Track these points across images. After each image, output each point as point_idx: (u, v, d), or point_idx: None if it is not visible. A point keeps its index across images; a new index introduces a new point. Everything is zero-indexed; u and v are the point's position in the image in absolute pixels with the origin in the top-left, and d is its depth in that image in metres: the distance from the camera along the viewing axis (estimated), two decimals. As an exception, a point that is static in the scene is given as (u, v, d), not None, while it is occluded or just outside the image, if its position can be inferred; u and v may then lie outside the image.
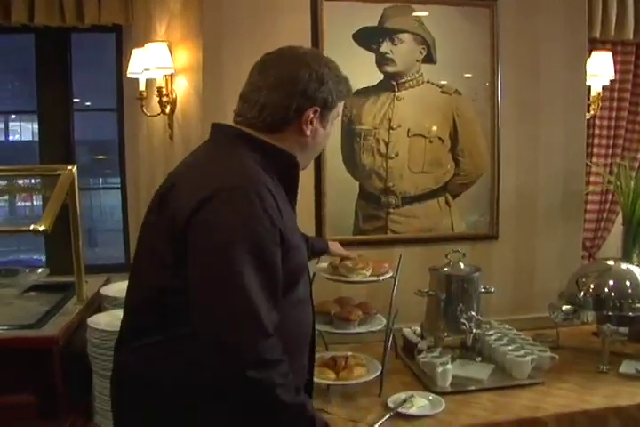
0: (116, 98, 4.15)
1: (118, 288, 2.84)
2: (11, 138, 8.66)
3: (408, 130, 3.11)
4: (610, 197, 4.31)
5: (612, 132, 4.25)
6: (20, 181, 2.89)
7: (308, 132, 1.73)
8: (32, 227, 2.52)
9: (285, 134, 1.73)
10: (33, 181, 2.92)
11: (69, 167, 2.79)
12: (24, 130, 8.19)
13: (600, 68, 3.71)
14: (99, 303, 3.09)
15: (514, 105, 3.26)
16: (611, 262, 2.95)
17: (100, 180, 8.11)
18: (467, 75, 3.18)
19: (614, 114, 4.21)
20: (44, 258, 4.26)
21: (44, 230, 2.48)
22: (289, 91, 1.68)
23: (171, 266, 1.57)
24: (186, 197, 1.57)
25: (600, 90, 3.81)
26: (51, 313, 2.73)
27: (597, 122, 4.14)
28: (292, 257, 1.63)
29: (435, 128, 3.15)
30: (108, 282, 3.34)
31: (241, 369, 1.45)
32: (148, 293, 1.64)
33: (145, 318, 1.64)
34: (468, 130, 3.19)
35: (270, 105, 1.69)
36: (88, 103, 5.71)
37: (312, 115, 1.71)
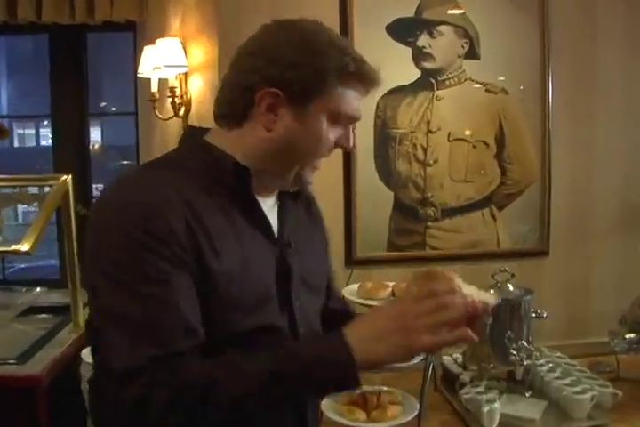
0: (134, 100, 3.92)
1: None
2: (43, 143, 8.59)
3: (449, 133, 2.85)
4: None
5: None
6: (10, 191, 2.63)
7: (270, 125, 1.24)
8: (13, 247, 2.27)
9: (245, 130, 1.28)
10: (30, 189, 2.67)
11: (63, 177, 2.52)
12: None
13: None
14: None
15: (567, 106, 2.98)
16: (678, 281, 2.65)
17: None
18: (514, 72, 2.91)
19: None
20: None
21: (26, 251, 2.22)
22: (237, 68, 1.28)
23: None
24: None
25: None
26: (40, 343, 2.48)
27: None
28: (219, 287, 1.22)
29: (478, 131, 2.88)
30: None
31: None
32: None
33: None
34: (516, 133, 2.91)
35: (221, 89, 1.30)
36: (114, 108, 5.58)
37: (271, 100, 1.22)
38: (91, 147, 4.82)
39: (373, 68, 1.27)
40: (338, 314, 1.63)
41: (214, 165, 1.28)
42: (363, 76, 1.25)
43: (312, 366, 1.12)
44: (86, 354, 2.37)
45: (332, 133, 1.27)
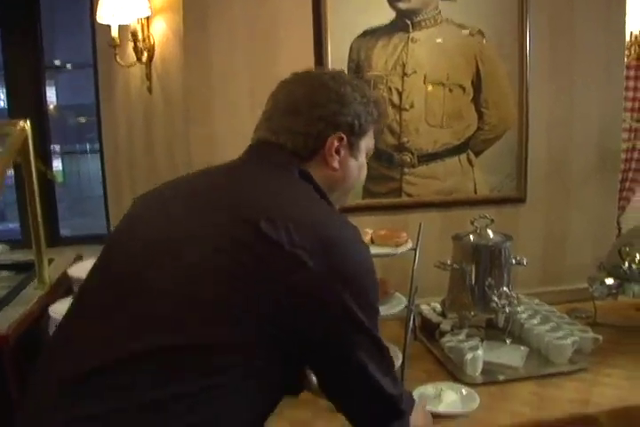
0: (92, 51, 3.75)
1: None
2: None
3: (424, 76, 2.71)
4: (636, 154, 4.03)
5: (640, 84, 3.88)
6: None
7: (336, 164, 1.46)
8: None
9: (312, 165, 1.46)
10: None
11: (21, 123, 2.34)
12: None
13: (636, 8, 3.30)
14: (68, 286, 2.65)
15: (545, 51, 2.87)
16: (657, 228, 2.62)
17: (88, 146, 7.83)
18: (491, 14, 2.77)
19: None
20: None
21: None
22: (306, 116, 1.44)
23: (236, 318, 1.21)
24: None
25: (638, 33, 3.41)
26: (4, 301, 2.34)
27: (631, 73, 3.76)
28: None
29: (455, 75, 2.75)
30: (78, 260, 2.91)
31: None
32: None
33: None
34: (493, 77, 2.79)
35: (287, 131, 1.45)
36: (69, 65, 5.38)
37: (337, 143, 1.45)
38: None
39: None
40: None
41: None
42: (383, 117, 1.60)
43: None
44: (56, 311, 2.26)
45: (364, 164, 1.57)
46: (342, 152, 1.46)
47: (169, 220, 1.35)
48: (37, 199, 2.57)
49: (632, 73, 3.82)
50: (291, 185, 1.40)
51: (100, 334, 1.24)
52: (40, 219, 2.60)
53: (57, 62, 5.20)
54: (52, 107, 5.45)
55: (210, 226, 1.27)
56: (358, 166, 1.53)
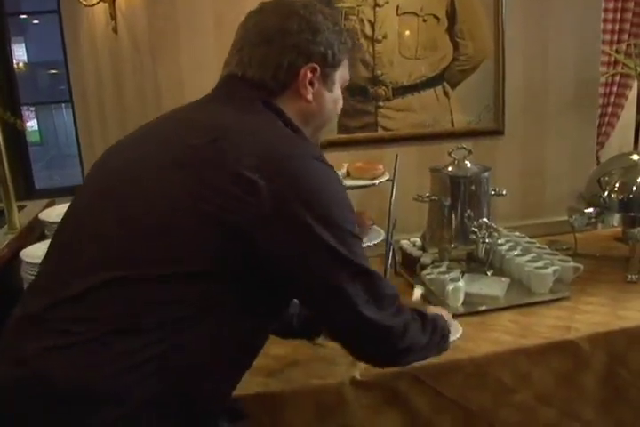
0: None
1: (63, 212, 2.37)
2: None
3: (397, 7, 2.63)
4: (615, 88, 3.94)
5: (619, 16, 3.79)
6: None
7: (310, 96, 1.41)
8: None
9: (285, 99, 1.41)
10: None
11: None
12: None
13: None
14: (40, 231, 2.63)
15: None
16: (636, 157, 2.59)
17: (63, 104, 7.70)
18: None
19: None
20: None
21: None
22: (278, 45, 1.38)
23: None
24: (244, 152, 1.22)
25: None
26: None
27: (610, 5, 3.68)
28: None
29: (428, 5, 2.67)
30: (51, 205, 2.86)
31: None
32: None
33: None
34: (468, 7, 2.71)
35: (258, 63, 1.39)
36: (36, 21, 5.25)
37: (310, 74, 1.40)
38: (15, 65, 4.55)
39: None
40: None
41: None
42: (355, 47, 1.65)
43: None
44: (27, 254, 2.22)
45: (340, 96, 1.52)
46: (316, 84, 1.41)
47: (129, 158, 1.34)
48: (3, 150, 2.51)
49: (611, 5, 3.74)
50: (252, 114, 1.35)
51: (67, 267, 1.26)
52: (7, 166, 2.54)
53: (23, 16, 5.07)
54: (21, 64, 5.35)
55: (163, 155, 1.27)
56: (333, 99, 1.48)
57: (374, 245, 2.21)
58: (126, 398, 1.13)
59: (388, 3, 2.61)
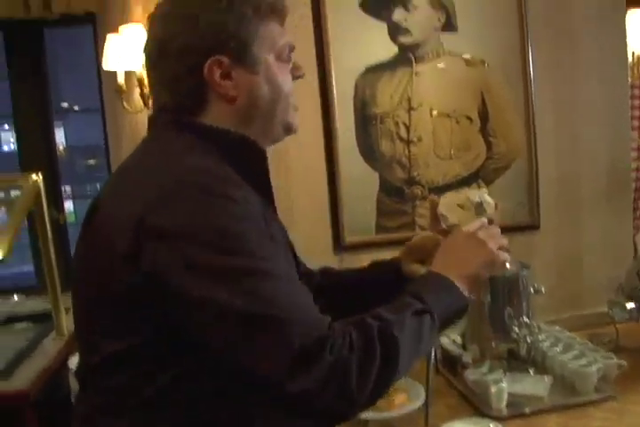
0: (98, 96, 3.77)
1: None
2: (5, 148, 8.35)
3: (431, 110, 2.74)
4: None
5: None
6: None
7: (232, 92, 1.19)
8: None
9: (214, 107, 1.20)
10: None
11: (33, 177, 2.34)
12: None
13: (637, 28, 3.30)
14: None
15: (548, 72, 2.88)
16: (675, 247, 2.60)
17: (98, 186, 7.84)
18: (493, 42, 2.81)
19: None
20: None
21: (1, 259, 2.05)
22: (165, 59, 1.19)
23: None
24: (119, 212, 1.09)
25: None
26: (23, 355, 2.30)
27: (635, 92, 3.75)
28: None
29: (461, 106, 2.78)
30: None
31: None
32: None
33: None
34: (499, 106, 2.82)
35: (161, 87, 1.22)
36: (76, 107, 5.42)
37: (217, 68, 1.17)
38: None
39: None
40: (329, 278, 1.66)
41: (229, 147, 1.19)
42: (274, 9, 1.23)
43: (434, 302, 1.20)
44: (75, 363, 2.23)
45: (284, 69, 1.26)
46: (233, 74, 1.18)
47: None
48: (52, 249, 2.56)
49: (637, 92, 3.81)
50: (148, 157, 1.20)
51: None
52: (55, 267, 2.59)
53: (64, 105, 5.24)
54: (61, 148, 5.48)
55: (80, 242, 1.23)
56: (266, 79, 1.22)
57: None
58: None
59: (421, 105, 2.71)
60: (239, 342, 1.02)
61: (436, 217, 1.70)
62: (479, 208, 1.66)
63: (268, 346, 1.01)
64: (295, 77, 1.30)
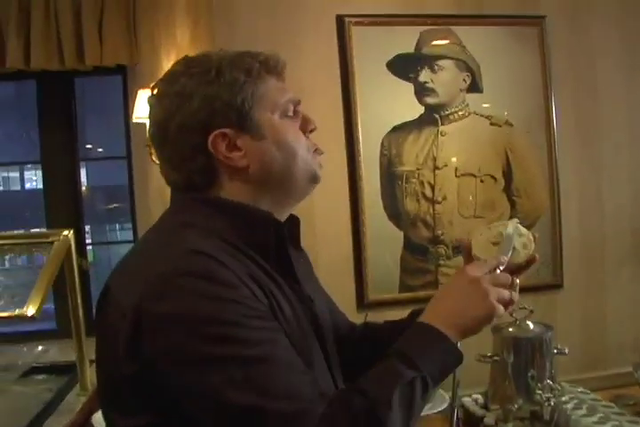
0: (125, 145, 3.84)
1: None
2: (28, 186, 8.44)
3: (455, 169, 2.78)
4: None
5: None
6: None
7: (242, 162, 1.13)
8: (17, 312, 2.03)
9: (224, 181, 1.16)
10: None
11: (65, 233, 2.35)
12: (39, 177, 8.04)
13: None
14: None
15: (572, 131, 2.94)
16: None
17: (117, 225, 7.87)
18: (517, 103, 2.85)
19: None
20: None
21: (32, 316, 2.03)
22: (169, 139, 1.14)
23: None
24: (122, 297, 1.10)
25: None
26: (47, 410, 2.27)
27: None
28: None
29: (485, 166, 2.81)
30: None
31: None
32: None
33: None
34: (523, 165, 2.85)
35: (170, 167, 1.17)
36: (100, 149, 5.48)
37: (222, 141, 1.12)
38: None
39: (268, 53, 1.20)
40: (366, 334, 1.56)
41: (247, 223, 1.15)
42: (268, 67, 1.18)
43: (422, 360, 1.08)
44: (97, 420, 2.18)
45: (292, 126, 1.18)
46: (239, 143, 1.12)
47: None
48: (79, 299, 2.56)
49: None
50: (156, 235, 1.19)
51: None
52: (82, 317, 2.58)
53: (88, 146, 5.30)
54: (83, 188, 5.52)
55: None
56: (275, 142, 1.15)
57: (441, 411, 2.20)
58: None
59: (446, 165, 2.75)
60: None
61: (471, 261, 1.44)
62: (506, 243, 1.36)
63: None
64: (308, 132, 1.22)
